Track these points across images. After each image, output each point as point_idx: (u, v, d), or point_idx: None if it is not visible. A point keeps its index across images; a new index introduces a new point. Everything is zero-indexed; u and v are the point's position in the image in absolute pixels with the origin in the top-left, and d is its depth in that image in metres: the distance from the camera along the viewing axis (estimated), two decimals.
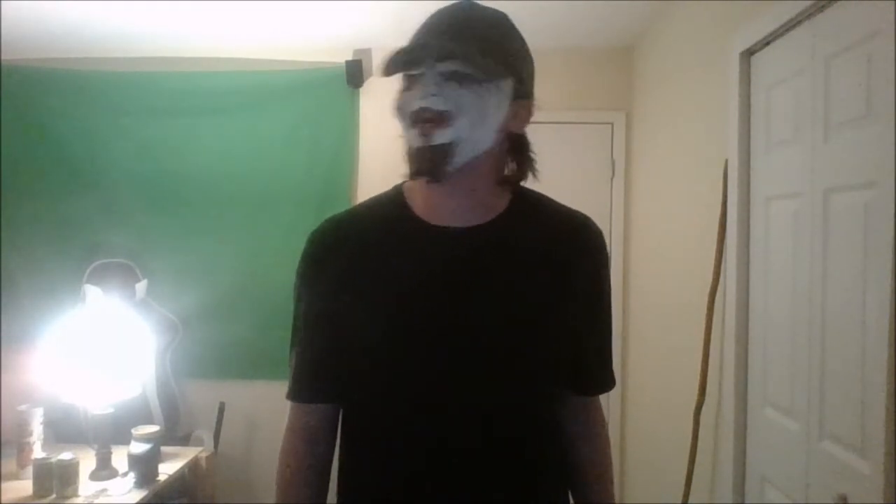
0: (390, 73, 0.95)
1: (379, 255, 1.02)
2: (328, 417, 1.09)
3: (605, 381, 1.17)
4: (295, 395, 1.09)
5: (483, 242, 1.01)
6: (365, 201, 1.12)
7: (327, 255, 1.05)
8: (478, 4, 0.99)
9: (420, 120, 0.93)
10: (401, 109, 0.97)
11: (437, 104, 0.93)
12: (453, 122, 0.93)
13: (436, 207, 1.02)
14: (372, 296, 1.01)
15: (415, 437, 1.01)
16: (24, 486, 2.26)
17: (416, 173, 0.97)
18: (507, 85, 0.96)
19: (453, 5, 0.98)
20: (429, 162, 0.94)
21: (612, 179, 3.48)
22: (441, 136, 0.93)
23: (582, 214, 1.11)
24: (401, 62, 0.95)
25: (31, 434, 2.41)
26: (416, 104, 0.94)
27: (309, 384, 1.08)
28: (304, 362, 1.08)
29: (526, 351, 1.01)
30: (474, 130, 0.94)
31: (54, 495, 2.20)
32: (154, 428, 2.46)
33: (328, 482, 1.11)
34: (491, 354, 1.00)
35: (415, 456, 1.01)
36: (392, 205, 1.06)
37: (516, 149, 1.04)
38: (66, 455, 2.24)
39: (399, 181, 1.09)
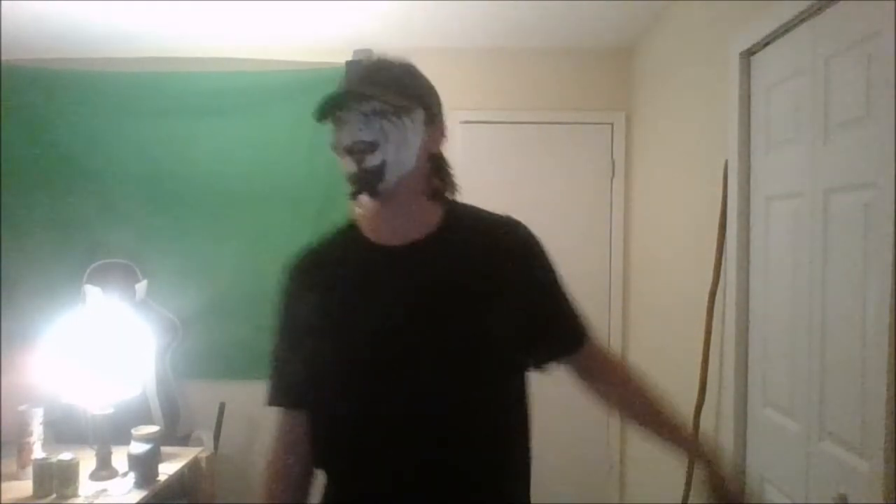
0: (322, 117, 1.13)
1: (336, 275, 1.19)
2: (307, 424, 1.19)
3: (583, 329, 1.27)
4: (271, 400, 1.22)
5: (423, 257, 1.15)
6: (330, 230, 1.27)
7: (299, 278, 1.22)
8: (388, 57, 1.18)
9: (354, 151, 1.11)
10: (335, 145, 1.14)
11: (366, 136, 1.11)
12: (380, 149, 1.11)
13: (379, 226, 1.18)
14: (332, 312, 1.15)
15: (371, 452, 1.12)
16: (24, 486, 2.26)
17: (355, 193, 1.13)
18: (419, 115, 1.14)
19: (369, 59, 1.18)
20: (365, 182, 1.11)
21: (612, 179, 3.48)
22: (371, 160, 1.11)
23: (508, 218, 1.23)
24: (330, 107, 1.12)
25: (31, 434, 2.41)
26: (349, 139, 1.11)
27: (284, 390, 1.21)
28: (280, 370, 1.22)
29: (478, 354, 1.12)
30: (398, 153, 1.11)
31: (54, 495, 2.20)
32: (154, 428, 2.47)
33: (310, 487, 1.22)
34: (446, 361, 1.10)
35: (374, 469, 1.12)
36: (347, 229, 1.24)
37: (437, 166, 1.21)
38: (66, 455, 2.24)
39: None
